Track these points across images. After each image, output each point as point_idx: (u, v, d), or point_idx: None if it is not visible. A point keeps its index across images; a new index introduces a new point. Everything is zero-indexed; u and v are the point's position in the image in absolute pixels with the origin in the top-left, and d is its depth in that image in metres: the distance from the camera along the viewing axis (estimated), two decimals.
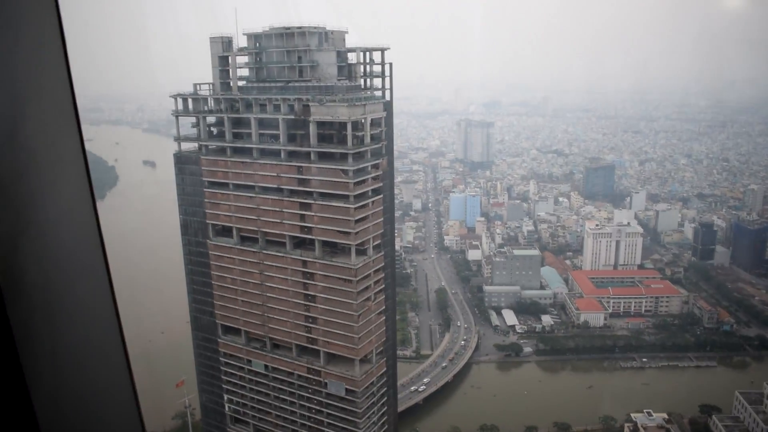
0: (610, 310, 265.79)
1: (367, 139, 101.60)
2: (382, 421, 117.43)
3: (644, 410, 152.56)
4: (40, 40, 5.87)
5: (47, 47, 5.99)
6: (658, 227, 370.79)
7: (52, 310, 6.30)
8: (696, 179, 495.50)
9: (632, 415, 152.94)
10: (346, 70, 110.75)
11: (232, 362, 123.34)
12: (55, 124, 6.37)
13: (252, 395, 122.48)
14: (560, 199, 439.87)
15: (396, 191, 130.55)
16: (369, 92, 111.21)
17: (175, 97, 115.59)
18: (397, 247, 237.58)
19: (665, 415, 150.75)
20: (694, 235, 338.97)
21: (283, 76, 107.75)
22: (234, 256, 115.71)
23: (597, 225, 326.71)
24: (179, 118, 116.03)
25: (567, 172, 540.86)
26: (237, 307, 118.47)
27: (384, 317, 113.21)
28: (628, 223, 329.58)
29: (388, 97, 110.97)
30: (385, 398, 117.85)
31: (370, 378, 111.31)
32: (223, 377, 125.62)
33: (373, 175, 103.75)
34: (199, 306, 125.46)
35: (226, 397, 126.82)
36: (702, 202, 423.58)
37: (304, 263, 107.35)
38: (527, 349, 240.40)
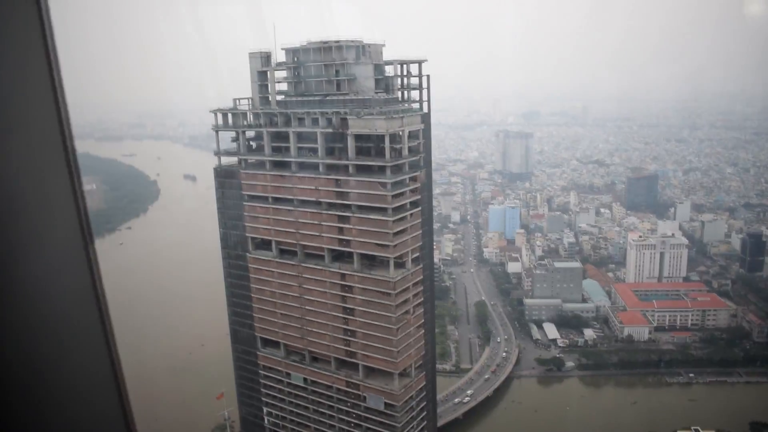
0: (655, 324, 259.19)
1: (405, 152, 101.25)
2: None
3: (692, 427, 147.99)
4: (24, 61, 5.35)
5: (31, 69, 5.47)
6: (703, 238, 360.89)
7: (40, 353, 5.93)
8: (743, 188, 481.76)
9: (678, 431, 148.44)
10: (383, 82, 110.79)
11: (271, 375, 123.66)
12: (42, 157, 5.85)
13: (291, 408, 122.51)
14: (602, 210, 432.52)
15: (434, 203, 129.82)
16: (406, 104, 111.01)
17: (215, 112, 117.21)
18: (435, 260, 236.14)
19: None
20: (742, 246, 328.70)
21: (321, 89, 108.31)
22: (273, 269, 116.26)
23: (640, 236, 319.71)
24: (219, 132, 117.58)
25: (608, 182, 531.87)
26: (276, 320, 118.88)
27: (423, 330, 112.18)
28: (673, 235, 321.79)
29: (425, 109, 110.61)
30: (425, 412, 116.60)
31: (409, 392, 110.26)
32: (262, 390, 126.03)
33: (411, 187, 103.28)
34: (239, 318, 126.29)
35: (265, 409, 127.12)
36: (749, 212, 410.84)
37: (343, 276, 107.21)
38: (569, 364, 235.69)
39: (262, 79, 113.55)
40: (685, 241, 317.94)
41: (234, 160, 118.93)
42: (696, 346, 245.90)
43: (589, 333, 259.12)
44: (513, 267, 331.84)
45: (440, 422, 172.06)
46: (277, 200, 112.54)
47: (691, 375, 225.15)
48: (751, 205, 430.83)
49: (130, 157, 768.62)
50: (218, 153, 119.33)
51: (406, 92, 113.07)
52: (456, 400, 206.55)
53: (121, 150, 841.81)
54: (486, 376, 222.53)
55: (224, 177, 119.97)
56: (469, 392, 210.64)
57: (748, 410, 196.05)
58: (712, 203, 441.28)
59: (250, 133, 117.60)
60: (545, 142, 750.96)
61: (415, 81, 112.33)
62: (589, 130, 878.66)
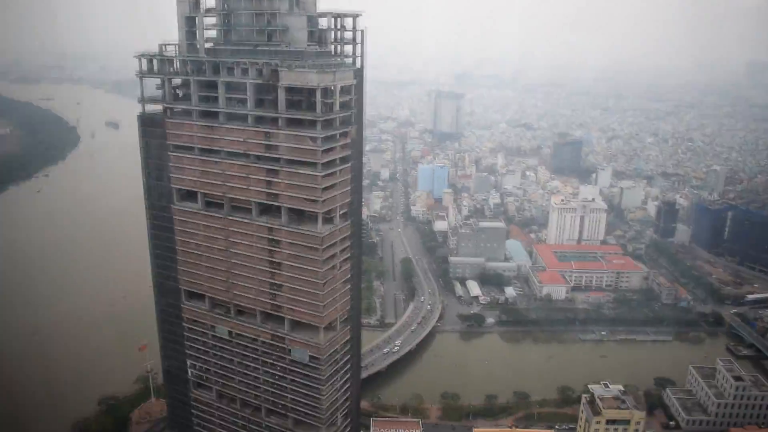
0: (572, 284, 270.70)
1: (337, 107, 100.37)
2: (345, 388, 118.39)
3: (601, 382, 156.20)
4: None
5: None
6: (622, 204, 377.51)
7: None
8: (661, 158, 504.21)
9: (590, 386, 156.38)
10: (316, 35, 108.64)
11: (195, 327, 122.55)
12: None
13: (215, 360, 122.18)
14: (527, 173, 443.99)
15: (364, 160, 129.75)
16: (340, 59, 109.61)
17: (139, 57, 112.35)
18: (364, 216, 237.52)
19: (621, 387, 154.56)
20: (657, 212, 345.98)
21: (252, 39, 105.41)
22: (199, 221, 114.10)
23: (562, 200, 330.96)
24: (144, 79, 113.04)
25: (535, 146, 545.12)
26: (201, 273, 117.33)
27: (349, 285, 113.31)
28: (593, 199, 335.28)
29: (359, 65, 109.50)
30: (349, 365, 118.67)
31: (334, 345, 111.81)
32: (186, 342, 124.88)
33: (341, 143, 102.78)
34: (163, 271, 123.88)
35: (189, 362, 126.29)
36: (666, 181, 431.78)
37: (270, 230, 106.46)
38: (490, 320, 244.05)
39: (189, 24, 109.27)
40: (604, 205, 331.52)
41: (160, 108, 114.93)
42: (609, 306, 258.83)
43: (510, 291, 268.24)
44: (439, 225, 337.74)
45: (364, 374, 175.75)
46: (204, 151, 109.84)
47: (603, 333, 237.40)
48: (668, 174, 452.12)
49: (48, 101, 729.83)
50: (142, 100, 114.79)
51: (339, 46, 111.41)
52: (383, 350, 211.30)
53: (38, 93, 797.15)
54: (409, 331, 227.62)
55: (149, 125, 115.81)
56: (395, 345, 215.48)
57: (653, 367, 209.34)
58: (631, 171, 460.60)
59: (177, 81, 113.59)
60: (476, 104, 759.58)
61: (349, 35, 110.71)
62: (519, 94, 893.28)
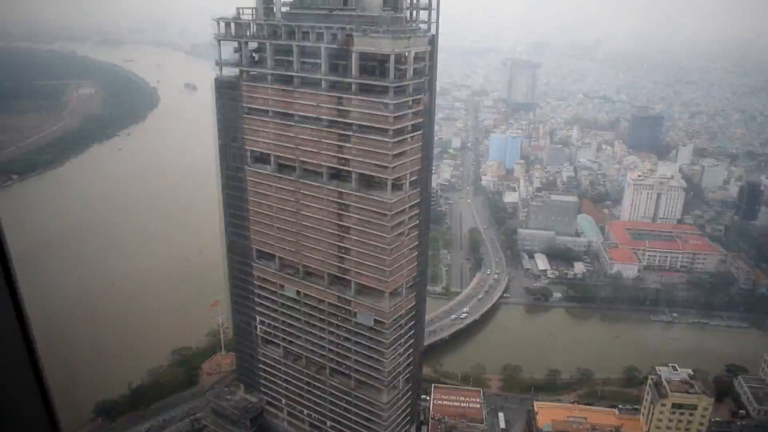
0: (645, 263, 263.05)
1: (410, 74, 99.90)
2: (407, 353, 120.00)
3: (669, 364, 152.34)
4: None
5: None
6: (702, 183, 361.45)
7: None
8: (747, 136, 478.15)
9: (657, 368, 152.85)
10: (391, 0, 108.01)
11: (265, 286, 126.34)
12: None
13: (283, 319, 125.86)
14: (603, 146, 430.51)
15: (436, 128, 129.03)
16: (414, 25, 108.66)
17: (217, 20, 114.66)
18: (433, 185, 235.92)
19: (690, 371, 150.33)
20: (739, 193, 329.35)
21: (327, 3, 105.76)
22: (271, 184, 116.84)
23: (639, 176, 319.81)
24: (222, 42, 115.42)
25: (613, 119, 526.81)
26: (272, 234, 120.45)
27: (416, 253, 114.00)
28: (672, 177, 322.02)
29: (433, 31, 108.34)
30: (412, 332, 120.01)
31: (399, 311, 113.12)
32: (255, 300, 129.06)
33: (413, 110, 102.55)
34: (235, 230, 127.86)
35: (258, 319, 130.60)
36: (751, 161, 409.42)
37: (340, 195, 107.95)
38: (557, 295, 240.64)
39: None
40: (683, 183, 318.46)
41: (236, 71, 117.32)
42: (682, 288, 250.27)
43: (579, 267, 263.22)
44: (510, 197, 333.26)
45: (427, 341, 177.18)
46: (277, 115, 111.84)
47: (674, 315, 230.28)
48: (754, 154, 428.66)
49: (130, 62, 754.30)
50: (219, 63, 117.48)
51: (414, 12, 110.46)
52: (450, 317, 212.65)
53: (120, 55, 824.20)
54: (474, 301, 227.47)
55: (225, 88, 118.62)
56: (462, 311, 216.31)
57: (726, 353, 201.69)
58: (714, 148, 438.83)
59: (253, 45, 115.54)
60: (552, 74, 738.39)
61: (424, 1, 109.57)
62: (599, 65, 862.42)
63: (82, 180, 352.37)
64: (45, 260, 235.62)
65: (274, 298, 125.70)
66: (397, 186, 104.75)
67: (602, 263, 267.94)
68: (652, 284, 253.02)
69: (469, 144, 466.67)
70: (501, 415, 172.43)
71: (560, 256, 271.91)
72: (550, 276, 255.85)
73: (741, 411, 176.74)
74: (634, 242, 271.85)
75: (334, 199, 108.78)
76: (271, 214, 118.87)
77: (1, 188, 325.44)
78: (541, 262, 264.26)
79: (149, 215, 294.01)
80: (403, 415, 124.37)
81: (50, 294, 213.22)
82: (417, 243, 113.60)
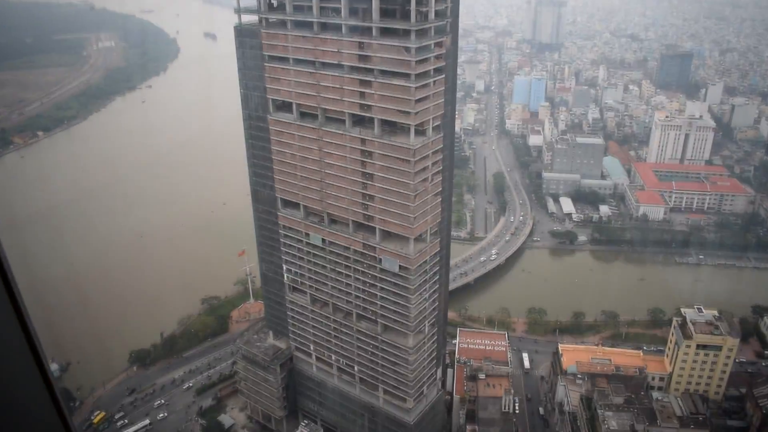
0: (671, 205, 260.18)
1: (431, 15, 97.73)
2: (433, 298, 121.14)
3: (695, 306, 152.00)
4: None
5: None
6: (732, 122, 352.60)
7: None
8: None
9: (682, 309, 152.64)
10: None
11: (290, 234, 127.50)
12: None
13: (309, 267, 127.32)
14: (630, 86, 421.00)
15: (459, 71, 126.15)
16: None
17: None
18: (456, 129, 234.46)
19: (716, 312, 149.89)
20: None
21: None
22: (294, 132, 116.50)
23: (667, 116, 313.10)
24: None
25: (640, 58, 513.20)
26: (296, 182, 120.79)
27: (440, 198, 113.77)
28: (701, 117, 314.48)
29: None
30: (437, 276, 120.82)
31: (424, 256, 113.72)
32: (282, 248, 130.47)
33: (435, 53, 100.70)
34: (260, 180, 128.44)
35: (284, 267, 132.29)
36: None
37: (363, 141, 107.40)
38: (582, 238, 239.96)
39: None
40: (712, 123, 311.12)
41: (255, 18, 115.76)
42: (709, 229, 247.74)
43: (604, 209, 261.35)
44: (534, 140, 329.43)
45: (452, 286, 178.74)
46: (298, 62, 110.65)
47: (700, 257, 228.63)
48: None
49: (148, 13, 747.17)
50: (238, 10, 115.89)
51: None
52: (470, 264, 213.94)
53: (138, 5, 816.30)
54: (499, 245, 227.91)
55: (245, 36, 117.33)
56: (484, 258, 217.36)
57: (752, 294, 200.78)
58: (745, 87, 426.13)
59: None
60: (578, 12, 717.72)
61: None
62: (626, 2, 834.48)
63: (106, 134, 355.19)
64: (74, 216, 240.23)
65: (299, 246, 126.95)
66: (420, 131, 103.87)
67: (628, 206, 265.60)
68: (678, 226, 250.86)
69: (492, 87, 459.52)
70: (525, 355, 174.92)
71: (585, 199, 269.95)
72: (575, 219, 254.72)
73: (766, 351, 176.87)
74: (661, 184, 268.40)
75: (357, 146, 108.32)
76: (295, 162, 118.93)
77: (27, 145, 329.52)
78: (566, 206, 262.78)
79: (173, 167, 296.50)
80: (429, 359, 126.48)
81: (81, 248, 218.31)
82: (441, 188, 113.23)
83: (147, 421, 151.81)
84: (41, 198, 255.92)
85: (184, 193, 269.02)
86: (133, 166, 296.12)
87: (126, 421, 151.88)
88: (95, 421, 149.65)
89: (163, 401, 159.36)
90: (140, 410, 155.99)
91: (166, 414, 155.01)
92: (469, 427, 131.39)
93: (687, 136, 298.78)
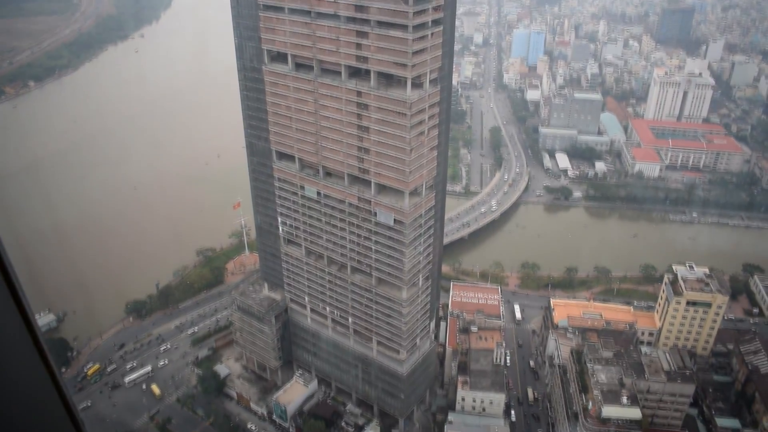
0: (667, 162, 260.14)
1: None
2: (427, 252, 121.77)
3: (686, 263, 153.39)
4: None
5: None
6: (731, 80, 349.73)
7: None
8: None
9: (674, 266, 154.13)
10: None
11: (285, 187, 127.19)
12: None
13: (304, 219, 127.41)
14: (630, 42, 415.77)
15: (457, 23, 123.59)
16: None
17: None
18: (454, 83, 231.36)
19: (706, 270, 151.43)
20: None
21: None
22: (289, 84, 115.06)
23: (666, 73, 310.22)
24: None
25: (641, 13, 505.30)
26: (291, 135, 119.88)
27: (436, 152, 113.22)
28: (700, 74, 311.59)
29: None
30: (432, 231, 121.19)
31: (419, 210, 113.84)
32: (277, 201, 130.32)
33: (434, 4, 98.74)
34: (254, 132, 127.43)
35: (279, 219, 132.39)
36: None
37: (359, 94, 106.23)
38: (577, 194, 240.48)
39: None
40: (711, 81, 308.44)
41: None
42: (704, 188, 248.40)
43: (600, 166, 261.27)
44: (532, 94, 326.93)
45: (447, 241, 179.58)
46: (293, 11, 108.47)
47: (694, 214, 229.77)
48: None
49: None
50: None
51: None
52: (465, 218, 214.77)
53: None
54: (493, 201, 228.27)
55: None
56: (478, 213, 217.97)
57: (744, 253, 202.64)
58: (746, 44, 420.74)
59: None
60: None
61: None
62: None
63: (98, 84, 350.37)
64: (67, 167, 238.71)
65: (294, 199, 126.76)
66: (416, 84, 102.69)
67: (624, 162, 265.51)
68: (673, 184, 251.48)
69: (491, 40, 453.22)
70: (517, 306, 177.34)
71: (581, 155, 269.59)
72: (571, 175, 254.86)
73: (755, 309, 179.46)
74: (658, 141, 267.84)
75: (353, 99, 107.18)
76: (290, 114, 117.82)
77: (18, 95, 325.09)
78: (562, 161, 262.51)
79: (167, 119, 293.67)
80: (423, 311, 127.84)
81: (75, 199, 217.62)
82: (437, 142, 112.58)
83: (149, 368, 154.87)
84: (34, 149, 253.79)
85: (178, 145, 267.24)
86: (126, 116, 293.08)
87: (130, 365, 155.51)
88: (89, 373, 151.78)
89: (162, 349, 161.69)
90: (137, 360, 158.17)
91: (165, 362, 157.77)
92: (460, 378, 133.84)
93: (685, 93, 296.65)
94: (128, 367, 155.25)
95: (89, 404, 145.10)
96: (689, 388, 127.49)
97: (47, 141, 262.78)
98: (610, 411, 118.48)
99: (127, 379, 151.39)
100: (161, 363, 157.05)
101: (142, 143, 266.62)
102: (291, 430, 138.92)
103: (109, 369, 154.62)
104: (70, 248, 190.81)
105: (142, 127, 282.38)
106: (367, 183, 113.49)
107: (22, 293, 5.50)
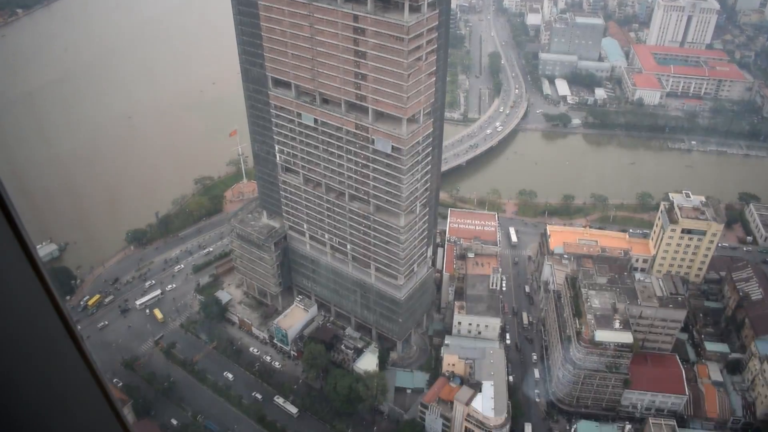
0: (668, 89, 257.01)
1: None
2: (425, 179, 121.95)
3: (683, 191, 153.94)
4: None
5: None
6: (737, 5, 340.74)
7: None
8: None
9: (670, 194, 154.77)
10: None
11: (282, 114, 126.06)
12: None
13: (302, 147, 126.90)
14: None
15: None
16: None
17: None
18: (452, 6, 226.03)
19: (703, 198, 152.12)
20: None
21: None
22: (284, 8, 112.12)
23: None
24: None
25: None
26: (287, 61, 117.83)
27: (434, 78, 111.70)
28: None
29: None
30: (430, 158, 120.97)
31: (417, 137, 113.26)
32: (274, 128, 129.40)
33: None
34: (249, 57, 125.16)
35: (277, 147, 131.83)
36: None
37: (356, 18, 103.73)
38: (576, 121, 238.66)
39: None
40: (716, 5, 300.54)
41: None
42: (704, 115, 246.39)
43: (600, 92, 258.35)
44: (532, 18, 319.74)
45: (444, 168, 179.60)
46: None
47: (693, 143, 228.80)
48: None
49: None
50: None
51: None
52: (463, 145, 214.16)
53: None
54: (492, 127, 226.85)
55: None
56: (470, 143, 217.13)
57: (741, 181, 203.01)
58: None
59: None
60: None
61: None
62: None
63: (89, 10, 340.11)
64: (60, 97, 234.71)
65: (291, 126, 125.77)
66: (414, 7, 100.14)
67: (624, 89, 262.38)
68: (673, 111, 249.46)
69: None
70: (512, 229, 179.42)
71: (581, 81, 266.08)
72: (570, 102, 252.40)
73: (748, 237, 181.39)
74: (659, 67, 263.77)
75: (350, 23, 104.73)
76: (285, 39, 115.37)
77: (6, 24, 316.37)
78: (562, 88, 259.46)
79: (159, 45, 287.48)
80: (420, 238, 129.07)
81: (70, 130, 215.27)
82: (435, 68, 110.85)
83: (158, 291, 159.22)
84: (26, 79, 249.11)
85: (172, 72, 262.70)
86: (118, 43, 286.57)
87: (147, 284, 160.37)
88: (90, 303, 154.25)
89: (165, 276, 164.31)
90: (138, 288, 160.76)
91: (173, 286, 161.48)
92: (457, 303, 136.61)
93: (689, 18, 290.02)
94: (145, 286, 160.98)
95: (105, 323, 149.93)
96: (680, 314, 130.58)
97: (39, 71, 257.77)
98: (602, 335, 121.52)
99: (138, 302, 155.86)
100: (168, 287, 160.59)
101: (136, 71, 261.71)
102: (292, 353, 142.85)
103: (106, 301, 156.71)
104: (68, 179, 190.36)
105: (135, 54, 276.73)
106: (365, 110, 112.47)
107: (20, 223, 5.63)
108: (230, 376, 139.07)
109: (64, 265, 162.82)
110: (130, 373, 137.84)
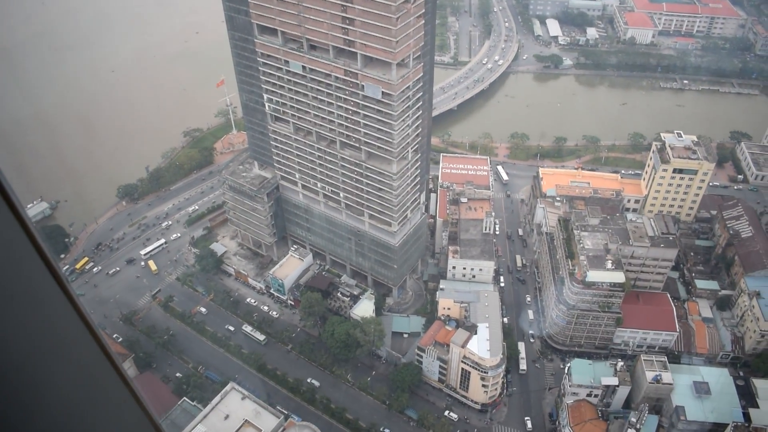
0: (660, 28, 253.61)
1: None
2: (416, 125, 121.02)
3: (675, 131, 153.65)
4: None
5: None
6: None
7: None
8: None
9: (662, 134, 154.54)
10: None
11: (270, 63, 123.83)
12: None
13: (291, 95, 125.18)
14: None
15: None
16: None
17: None
18: None
19: (694, 138, 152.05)
20: None
21: None
22: None
23: None
24: None
25: None
26: (272, 7, 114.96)
27: (423, 21, 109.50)
28: None
29: None
30: (420, 103, 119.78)
31: (407, 82, 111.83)
32: (261, 77, 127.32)
33: None
34: (234, 5, 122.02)
35: (265, 96, 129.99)
36: None
37: None
38: (567, 62, 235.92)
39: None
40: None
41: None
42: (696, 54, 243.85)
43: (591, 32, 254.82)
44: None
45: (435, 112, 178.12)
46: None
47: (685, 81, 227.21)
48: None
49: None
50: None
51: None
52: (455, 88, 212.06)
53: None
54: (481, 72, 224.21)
55: None
56: (461, 86, 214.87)
57: (732, 120, 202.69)
58: None
59: None
60: None
61: None
62: None
63: None
64: (39, 51, 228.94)
65: (279, 74, 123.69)
66: None
67: (616, 28, 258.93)
68: (665, 50, 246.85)
69: None
70: (499, 167, 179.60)
71: (573, 21, 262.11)
72: (561, 42, 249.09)
73: (739, 176, 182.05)
74: (652, 5, 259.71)
75: None
76: None
77: None
78: (553, 28, 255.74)
79: None
80: (413, 184, 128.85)
81: (52, 86, 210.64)
82: (423, 10, 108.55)
83: (162, 240, 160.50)
84: (2, 35, 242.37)
85: (154, 23, 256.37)
86: None
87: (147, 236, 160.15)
88: (78, 267, 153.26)
89: (159, 229, 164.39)
90: (133, 243, 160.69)
91: (177, 236, 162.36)
92: (451, 248, 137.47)
93: None
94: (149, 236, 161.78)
95: (104, 274, 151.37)
96: (671, 253, 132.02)
97: (14, 24, 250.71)
98: (594, 275, 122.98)
99: (142, 252, 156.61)
100: (173, 236, 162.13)
101: (115, 21, 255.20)
102: (289, 302, 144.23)
103: (96, 268, 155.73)
104: (54, 136, 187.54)
105: (115, 4, 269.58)
106: (353, 55, 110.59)
107: (6, 182, 5.45)
108: (231, 327, 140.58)
109: (56, 224, 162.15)
110: (129, 328, 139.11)
